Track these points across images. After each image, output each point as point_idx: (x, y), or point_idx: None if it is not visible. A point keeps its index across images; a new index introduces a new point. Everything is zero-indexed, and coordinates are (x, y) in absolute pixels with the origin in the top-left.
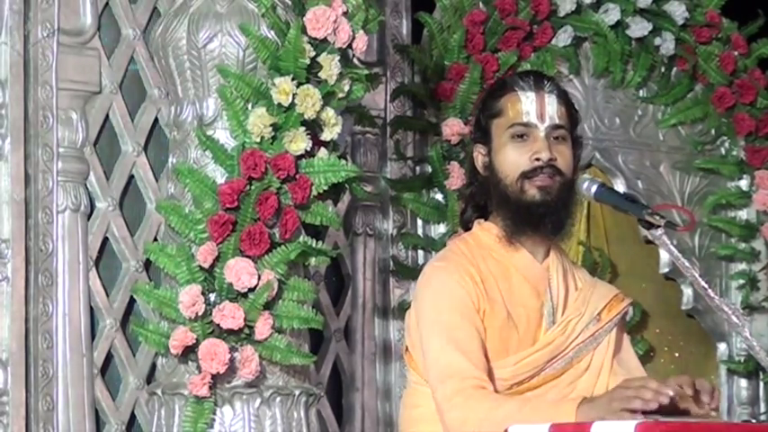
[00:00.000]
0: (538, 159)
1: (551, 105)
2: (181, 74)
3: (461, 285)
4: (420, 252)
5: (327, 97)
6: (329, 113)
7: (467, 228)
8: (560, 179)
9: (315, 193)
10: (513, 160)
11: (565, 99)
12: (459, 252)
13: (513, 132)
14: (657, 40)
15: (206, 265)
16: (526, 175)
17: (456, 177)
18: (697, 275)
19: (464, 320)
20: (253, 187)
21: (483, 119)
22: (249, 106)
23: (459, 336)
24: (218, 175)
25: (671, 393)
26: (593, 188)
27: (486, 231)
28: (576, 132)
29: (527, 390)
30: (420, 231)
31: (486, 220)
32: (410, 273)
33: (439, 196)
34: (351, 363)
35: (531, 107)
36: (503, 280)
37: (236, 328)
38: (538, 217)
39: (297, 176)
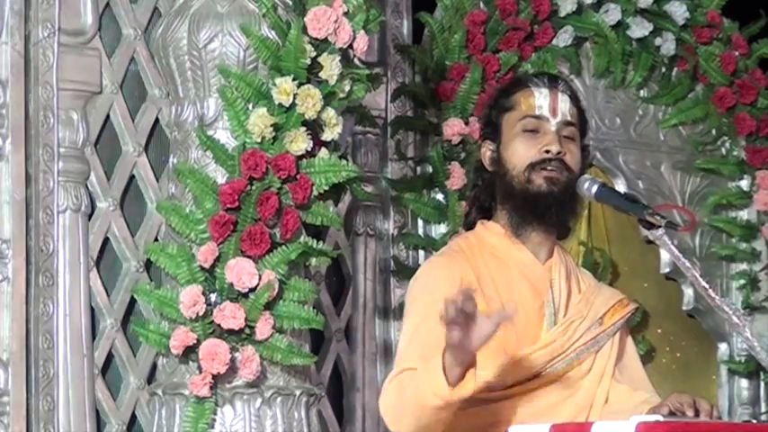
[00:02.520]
0: (547, 152)
1: (564, 103)
2: (181, 74)
3: (447, 280)
4: (421, 252)
5: (328, 97)
6: (330, 114)
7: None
8: (568, 175)
9: (315, 193)
10: (522, 152)
11: (577, 102)
12: (458, 248)
13: (525, 125)
14: (658, 41)
15: (207, 266)
16: (533, 166)
17: (457, 177)
18: (698, 276)
19: (434, 314)
20: (253, 187)
21: (494, 114)
22: (250, 106)
23: (423, 327)
24: (219, 175)
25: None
26: (594, 188)
27: (489, 230)
28: (585, 140)
29: (527, 390)
30: (421, 231)
31: (489, 220)
32: (411, 273)
33: (440, 196)
34: (351, 363)
35: (545, 102)
36: (502, 278)
37: (236, 329)
38: (543, 208)
39: (297, 176)
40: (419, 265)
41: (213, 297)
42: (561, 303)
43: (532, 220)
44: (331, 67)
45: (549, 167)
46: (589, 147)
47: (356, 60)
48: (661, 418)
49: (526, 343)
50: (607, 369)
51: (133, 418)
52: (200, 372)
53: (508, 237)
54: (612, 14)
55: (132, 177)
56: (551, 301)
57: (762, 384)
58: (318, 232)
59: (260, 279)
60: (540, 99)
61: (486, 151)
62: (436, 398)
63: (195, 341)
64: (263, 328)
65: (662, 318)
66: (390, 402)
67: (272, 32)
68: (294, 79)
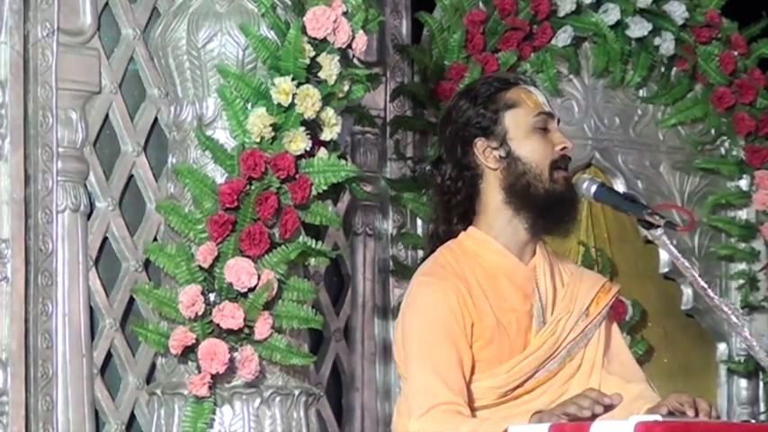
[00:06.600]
0: (564, 149)
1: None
2: (180, 74)
3: (445, 303)
4: (420, 252)
5: (327, 97)
6: (329, 113)
7: (448, 239)
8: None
9: (314, 192)
10: (541, 149)
11: None
12: (446, 263)
13: (538, 122)
14: (657, 40)
15: (206, 265)
16: (555, 165)
17: None
18: (696, 275)
19: (445, 341)
20: (252, 187)
21: (489, 112)
22: (249, 106)
23: (439, 357)
24: (218, 175)
25: (608, 402)
26: (593, 188)
27: (472, 238)
28: None
29: (522, 394)
30: (420, 231)
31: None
32: (410, 273)
33: None
34: (350, 363)
35: (543, 99)
36: (490, 287)
37: (235, 328)
38: (566, 207)
39: (297, 176)
40: (418, 266)
41: (212, 297)
42: (548, 302)
43: (552, 218)
44: (330, 67)
45: (563, 166)
46: None
47: (355, 60)
48: (660, 418)
49: (518, 348)
50: (596, 361)
51: (132, 417)
52: (199, 371)
53: (529, 229)
54: (611, 14)
55: (131, 177)
56: (538, 300)
57: (761, 384)
58: (317, 232)
59: (259, 279)
60: (539, 96)
61: (486, 149)
62: None
63: (194, 341)
64: (262, 328)
65: (662, 317)
66: None
67: (271, 32)
68: (293, 79)
